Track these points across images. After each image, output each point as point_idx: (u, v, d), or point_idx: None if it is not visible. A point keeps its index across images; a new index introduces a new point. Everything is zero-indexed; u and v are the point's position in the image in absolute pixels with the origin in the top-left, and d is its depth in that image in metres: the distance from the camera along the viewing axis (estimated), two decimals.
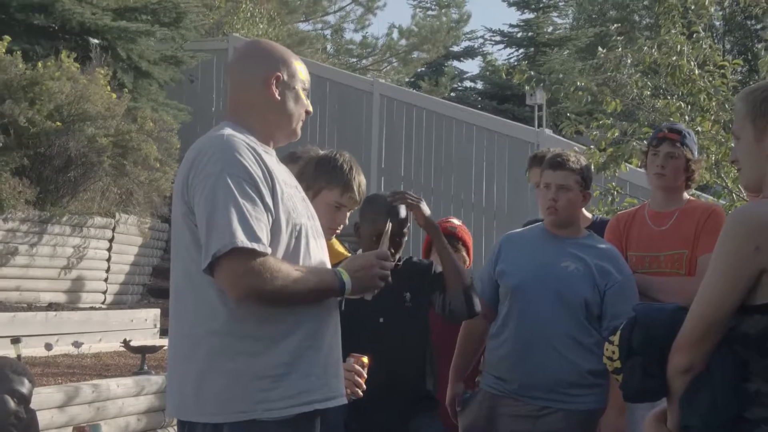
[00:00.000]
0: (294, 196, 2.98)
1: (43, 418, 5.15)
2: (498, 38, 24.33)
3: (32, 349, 7.59)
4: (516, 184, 11.09)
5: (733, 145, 2.81)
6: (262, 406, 2.81)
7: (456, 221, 5.23)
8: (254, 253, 2.76)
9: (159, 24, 12.44)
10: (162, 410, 6.77)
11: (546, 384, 4.21)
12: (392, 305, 3.96)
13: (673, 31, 7.27)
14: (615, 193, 7.15)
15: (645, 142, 6.02)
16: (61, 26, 11.63)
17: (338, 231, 3.93)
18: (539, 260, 4.34)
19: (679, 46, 7.13)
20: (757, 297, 2.50)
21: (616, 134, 7.29)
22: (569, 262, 4.28)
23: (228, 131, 2.95)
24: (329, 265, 3.05)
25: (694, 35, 7.36)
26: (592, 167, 6.08)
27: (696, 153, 4.56)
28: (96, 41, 11.51)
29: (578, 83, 7.58)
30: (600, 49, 7.90)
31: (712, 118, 6.97)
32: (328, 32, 27.25)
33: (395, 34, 26.52)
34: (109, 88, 10.50)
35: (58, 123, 9.69)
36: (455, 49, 26.77)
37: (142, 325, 9.04)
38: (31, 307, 9.07)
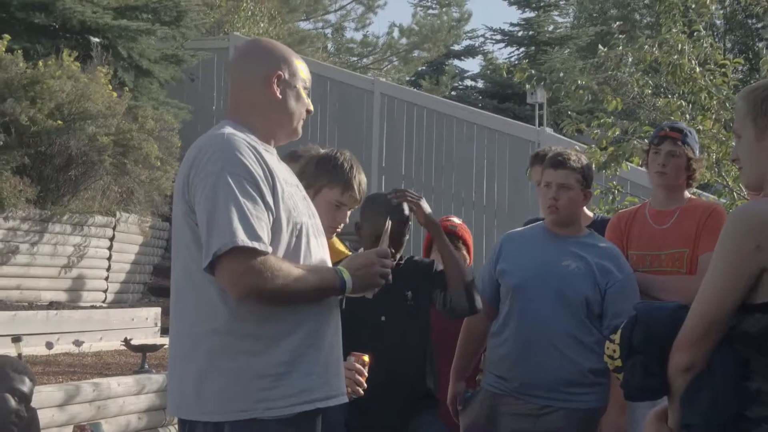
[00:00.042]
0: (295, 195, 2.98)
1: (43, 416, 5.16)
2: (499, 37, 24.33)
3: (33, 348, 7.59)
4: (517, 182, 11.08)
5: (734, 143, 2.81)
6: (262, 404, 2.81)
7: (456, 220, 5.23)
8: (255, 252, 2.76)
9: (160, 23, 12.44)
10: (163, 409, 6.77)
11: (547, 383, 4.21)
12: (394, 304, 3.97)
13: (674, 30, 7.26)
14: (616, 191, 7.15)
15: (646, 140, 6.02)
16: (61, 25, 11.64)
17: (339, 230, 3.93)
18: (540, 259, 4.34)
19: (680, 45, 7.12)
20: (758, 296, 2.50)
21: (617, 133, 7.29)
22: (570, 261, 4.28)
23: (229, 130, 2.95)
24: (330, 264, 3.05)
25: (695, 34, 7.36)
26: (593, 166, 6.09)
27: (697, 152, 4.56)
28: (97, 40, 11.52)
29: (579, 82, 7.57)
30: (600, 47, 7.90)
31: (713, 116, 6.97)
32: (328, 31, 27.30)
33: (396, 33, 26.58)
34: (109, 86, 10.51)
35: (59, 122, 9.69)
36: (456, 47, 26.79)
37: (143, 324, 9.04)
38: (31, 305, 9.08)
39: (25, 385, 4.00)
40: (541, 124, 15.88)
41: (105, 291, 10.36)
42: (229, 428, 2.81)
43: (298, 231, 2.92)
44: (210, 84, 14.19)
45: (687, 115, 7.08)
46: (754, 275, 2.49)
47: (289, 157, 4.05)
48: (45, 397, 5.80)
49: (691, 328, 2.56)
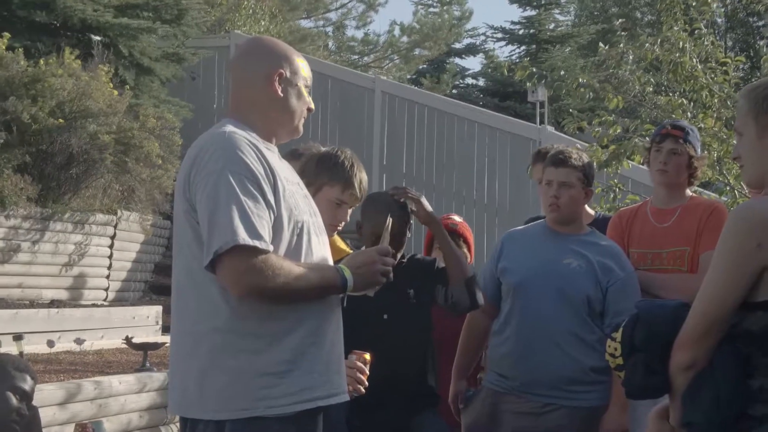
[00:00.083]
0: (296, 193, 2.98)
1: (45, 415, 5.16)
2: (500, 35, 24.28)
3: (34, 346, 7.60)
4: (518, 181, 11.08)
5: (735, 141, 2.80)
6: (264, 403, 2.81)
7: (457, 218, 5.23)
8: (256, 251, 2.76)
9: (161, 21, 12.44)
10: (164, 407, 6.77)
11: (549, 381, 4.21)
12: (396, 302, 3.97)
13: (675, 28, 7.26)
14: (617, 190, 7.14)
15: (647, 138, 6.02)
16: (62, 23, 11.63)
17: (339, 228, 3.93)
18: (541, 257, 4.34)
19: (681, 43, 7.12)
20: (760, 294, 2.50)
21: (618, 131, 7.28)
22: (571, 259, 4.28)
23: (230, 128, 2.94)
24: (331, 262, 3.05)
25: (696, 32, 7.36)
26: (594, 164, 6.08)
27: (699, 150, 4.55)
28: (98, 38, 11.52)
29: (580, 80, 7.57)
30: (601, 45, 7.90)
31: (714, 115, 6.97)
32: (329, 29, 27.29)
33: (397, 31, 26.57)
34: (110, 84, 10.51)
35: (60, 120, 9.69)
36: (457, 46, 26.74)
37: (144, 322, 9.05)
38: (33, 304, 9.08)
39: (27, 384, 4.00)
40: (542, 122, 15.84)
41: (106, 289, 10.37)
42: (231, 426, 2.81)
43: (299, 229, 2.92)
44: (211, 82, 14.19)
45: (688, 113, 7.08)
46: (755, 273, 2.49)
47: (290, 155, 4.06)
48: (46, 395, 5.80)
49: (693, 326, 2.56)
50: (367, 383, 3.41)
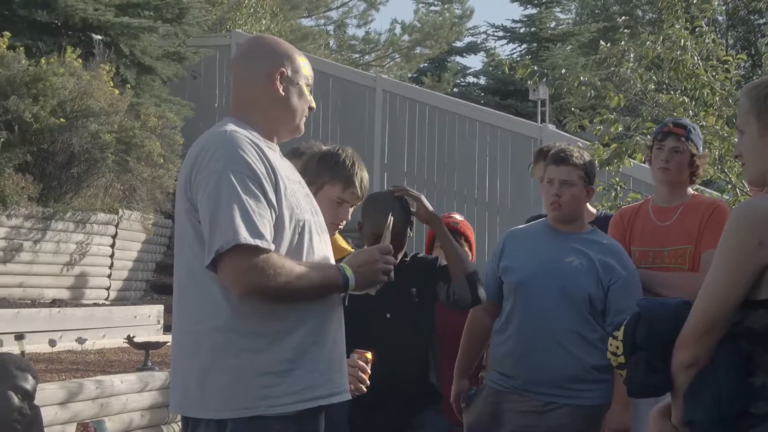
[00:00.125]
0: (297, 192, 2.98)
1: (46, 414, 5.16)
2: (501, 34, 24.29)
3: (36, 346, 7.59)
4: (519, 179, 11.08)
5: (736, 140, 2.80)
6: (265, 402, 2.81)
7: (458, 217, 5.23)
8: (257, 250, 2.76)
9: (162, 20, 12.45)
10: (166, 406, 6.77)
11: (551, 379, 4.21)
12: (399, 301, 3.98)
13: (676, 26, 7.26)
14: (618, 188, 7.14)
15: (648, 137, 6.01)
16: (63, 22, 11.64)
17: (341, 226, 3.93)
18: (543, 256, 4.33)
19: (682, 41, 7.12)
20: (762, 292, 2.50)
21: (620, 129, 7.28)
22: (573, 258, 4.28)
23: (231, 127, 2.94)
24: (333, 261, 3.05)
25: (697, 30, 7.35)
26: (596, 162, 6.08)
27: (701, 148, 4.55)
28: (99, 37, 11.52)
29: (581, 78, 7.57)
30: (602, 43, 7.89)
31: (716, 113, 6.96)
32: (330, 28, 27.30)
33: (398, 30, 26.57)
34: (111, 84, 10.51)
35: (62, 119, 9.69)
36: (458, 44, 26.74)
37: (146, 321, 9.05)
38: (34, 303, 9.09)
39: (28, 383, 4.00)
40: (543, 120, 15.86)
41: (108, 288, 10.37)
42: (232, 426, 2.81)
43: (300, 228, 2.92)
44: (212, 81, 14.19)
45: (689, 112, 7.08)
46: (757, 271, 2.49)
47: (292, 153, 4.05)
48: (48, 394, 5.80)
49: (694, 324, 2.56)
50: (368, 382, 3.41)
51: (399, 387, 3.97)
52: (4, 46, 9.96)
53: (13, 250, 9.23)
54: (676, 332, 2.59)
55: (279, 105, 3.05)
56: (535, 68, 7.74)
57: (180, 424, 3.02)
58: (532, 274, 4.30)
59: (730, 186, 6.98)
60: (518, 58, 21.24)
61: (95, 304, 9.64)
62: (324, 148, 4.08)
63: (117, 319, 8.84)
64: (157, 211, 11.10)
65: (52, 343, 7.73)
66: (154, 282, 11.27)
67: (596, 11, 27.64)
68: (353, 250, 3.79)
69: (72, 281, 9.89)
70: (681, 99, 7.17)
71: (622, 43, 7.70)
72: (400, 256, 4.02)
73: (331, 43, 26.75)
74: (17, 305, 8.70)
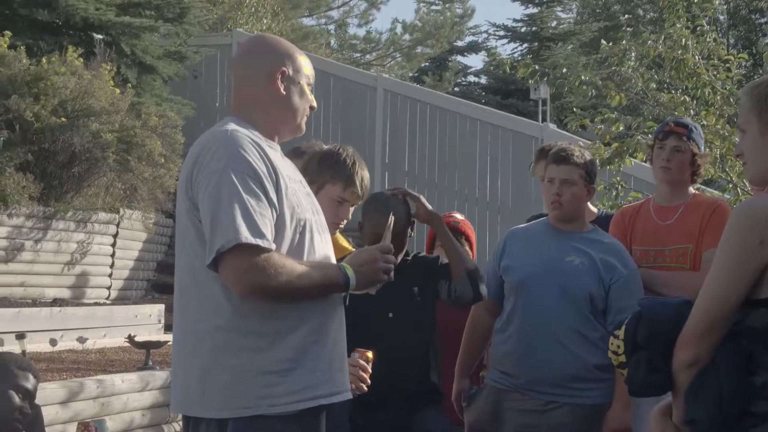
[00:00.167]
0: (298, 191, 2.97)
1: (47, 413, 5.16)
2: (502, 33, 24.28)
3: (37, 345, 7.60)
4: (520, 178, 11.08)
5: (737, 139, 2.80)
6: (266, 401, 2.81)
7: (459, 216, 5.23)
8: (258, 249, 2.76)
9: (163, 19, 12.45)
10: (167, 405, 6.77)
11: (552, 378, 4.21)
12: (401, 300, 3.98)
13: (677, 25, 7.25)
14: (619, 187, 7.14)
15: (650, 136, 6.01)
16: (64, 21, 11.64)
17: (341, 226, 3.93)
18: (544, 255, 4.33)
19: (683, 40, 7.11)
20: (763, 291, 2.50)
21: (621, 129, 7.28)
22: (574, 257, 4.28)
23: (232, 126, 2.94)
24: (334, 260, 3.05)
25: (698, 29, 7.35)
26: (597, 162, 6.07)
27: (702, 147, 4.55)
28: (100, 36, 11.51)
29: (583, 77, 7.56)
30: (604, 42, 7.89)
31: (717, 112, 6.96)
32: (331, 27, 27.29)
33: (399, 29, 26.56)
34: (112, 83, 10.51)
35: (63, 119, 9.69)
36: (459, 43, 26.74)
37: (147, 321, 9.05)
38: (35, 302, 9.09)
39: (29, 382, 4.00)
40: (544, 120, 15.86)
41: (109, 288, 10.37)
42: (233, 425, 2.81)
43: (301, 227, 2.92)
44: (213, 80, 14.18)
45: (690, 111, 7.08)
46: (758, 270, 2.49)
47: (293, 153, 4.05)
48: (49, 394, 5.80)
49: (695, 323, 2.56)
50: (369, 381, 3.41)
51: (400, 386, 3.97)
52: (5, 46, 9.96)
53: (14, 250, 9.23)
54: (677, 331, 2.59)
55: (280, 104, 3.04)
56: (536, 67, 7.73)
57: (181, 423, 3.02)
58: (533, 273, 4.30)
59: (731, 185, 6.97)
60: (519, 58, 21.24)
61: (96, 304, 9.64)
62: (325, 147, 4.08)
63: (118, 318, 8.84)
64: (158, 211, 11.10)
65: (53, 342, 7.73)
66: (155, 281, 11.27)
67: (597, 10, 27.64)
68: (354, 250, 3.79)
69: (73, 280, 9.89)
70: (682, 98, 7.17)
71: (624, 42, 7.69)
72: (400, 257, 4.03)
73: (332, 42, 26.75)
74: (18, 304, 8.70)
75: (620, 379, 3.61)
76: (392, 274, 3.04)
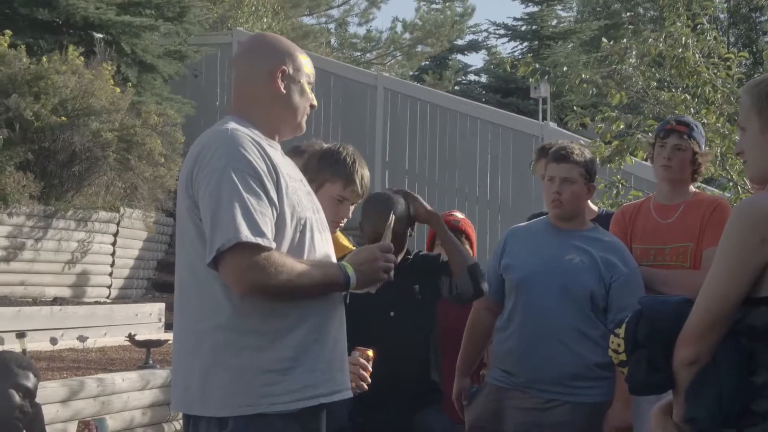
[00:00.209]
0: (299, 190, 2.97)
1: (48, 412, 5.16)
2: (502, 31, 24.29)
3: (37, 344, 7.60)
4: (521, 177, 11.08)
5: (737, 137, 2.80)
6: (266, 400, 2.81)
7: (459, 214, 5.23)
8: (258, 248, 2.76)
9: (163, 18, 12.45)
10: (167, 404, 6.77)
11: (552, 377, 4.21)
12: (402, 299, 3.99)
13: (678, 24, 7.25)
14: (620, 185, 7.14)
15: (650, 134, 6.01)
16: (65, 21, 11.64)
17: (342, 224, 3.93)
18: (544, 253, 4.33)
19: (684, 38, 7.11)
20: (763, 289, 2.50)
21: (621, 127, 7.28)
22: (574, 255, 4.28)
23: (232, 125, 2.94)
24: (334, 259, 3.05)
25: (698, 27, 7.35)
26: (597, 160, 6.07)
27: (703, 146, 4.55)
28: (100, 36, 11.51)
29: (583, 76, 7.56)
30: (605, 40, 7.89)
31: (717, 111, 6.96)
32: (332, 26, 27.28)
33: (399, 28, 26.56)
34: (112, 82, 10.51)
35: (63, 117, 9.69)
36: (459, 42, 26.74)
37: (147, 319, 9.05)
38: (36, 301, 9.09)
39: (30, 381, 4.01)
40: (544, 118, 15.87)
41: (109, 287, 10.37)
42: (233, 423, 2.81)
43: (302, 226, 2.92)
44: (213, 80, 14.18)
45: (691, 109, 7.07)
46: (758, 269, 2.49)
47: (293, 152, 4.06)
48: (49, 392, 5.80)
49: (696, 322, 2.56)
50: (369, 380, 3.41)
51: (400, 386, 3.97)
52: (6, 45, 9.96)
53: (15, 249, 9.24)
54: (678, 330, 2.59)
55: (280, 103, 3.04)
56: (537, 66, 7.73)
57: (181, 422, 3.02)
58: (533, 271, 4.30)
59: (731, 184, 6.97)
60: (520, 56, 21.24)
61: (96, 302, 9.64)
62: (325, 146, 4.08)
63: (118, 317, 8.84)
64: (158, 209, 11.10)
65: (54, 341, 7.74)
66: (156, 280, 11.27)
67: (597, 9, 27.64)
68: (354, 248, 3.79)
69: (73, 279, 9.89)
70: (682, 97, 7.16)
71: (624, 40, 7.69)
72: (400, 257, 4.03)
73: (333, 41, 26.74)
74: (18, 303, 8.71)
75: (621, 377, 3.61)
76: (392, 273, 3.04)
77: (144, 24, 11.86)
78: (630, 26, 8.00)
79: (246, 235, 2.74)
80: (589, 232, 4.39)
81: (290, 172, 2.99)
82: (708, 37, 7.28)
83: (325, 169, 3.83)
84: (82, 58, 10.35)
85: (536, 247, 4.38)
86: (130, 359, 7.74)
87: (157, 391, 6.84)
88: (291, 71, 3.05)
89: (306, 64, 3.10)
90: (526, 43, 23.65)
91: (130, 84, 11.18)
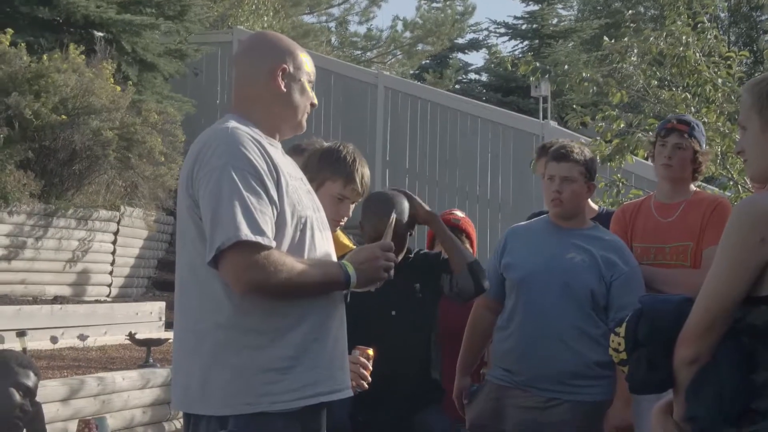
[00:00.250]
0: (299, 189, 2.97)
1: (48, 410, 5.16)
2: (503, 30, 24.31)
3: (38, 342, 7.60)
4: (521, 176, 11.07)
5: (738, 136, 2.80)
6: (267, 398, 2.81)
7: (459, 213, 5.23)
8: (258, 247, 2.76)
9: (163, 17, 12.45)
10: (167, 403, 6.77)
11: (553, 375, 4.21)
12: (404, 298, 3.99)
13: (678, 22, 7.25)
14: (620, 184, 7.13)
15: (650, 133, 6.01)
16: (65, 19, 11.64)
17: (342, 223, 3.93)
18: (545, 252, 4.33)
19: (684, 37, 7.11)
20: (763, 288, 2.49)
21: (622, 126, 7.27)
22: (575, 254, 4.28)
23: (232, 124, 2.94)
24: (335, 257, 3.04)
25: (699, 26, 7.34)
26: (598, 159, 6.06)
27: (704, 145, 4.54)
28: (100, 34, 11.52)
29: (584, 74, 7.56)
30: (606, 38, 7.89)
31: (718, 110, 6.95)
32: (332, 25, 27.26)
33: (400, 27, 26.53)
34: (112, 80, 10.50)
35: (63, 116, 9.69)
36: (460, 41, 26.74)
37: (147, 318, 9.05)
38: (36, 300, 9.09)
39: (30, 380, 4.01)
40: (545, 117, 15.87)
41: (109, 285, 10.37)
42: (234, 422, 2.81)
43: (302, 224, 2.91)
44: (214, 78, 14.17)
45: (692, 108, 7.07)
46: (759, 268, 2.49)
47: (293, 150, 4.06)
48: (50, 391, 5.80)
49: (696, 321, 2.56)
50: (370, 379, 3.41)
51: (401, 384, 3.98)
52: (7, 43, 9.96)
53: (15, 247, 9.24)
54: (678, 329, 2.59)
55: (281, 101, 3.04)
56: (537, 65, 7.72)
57: (182, 420, 3.02)
58: (533, 270, 4.30)
59: (731, 182, 6.97)
60: (520, 55, 21.24)
61: (97, 301, 9.64)
62: (325, 144, 4.08)
63: (119, 315, 8.84)
64: (158, 208, 11.10)
65: (54, 339, 7.74)
66: (156, 279, 11.27)
67: (598, 7, 27.64)
68: (355, 247, 3.79)
69: (74, 278, 9.89)
70: (683, 95, 7.16)
71: (626, 38, 7.69)
72: (401, 257, 4.02)
73: (333, 40, 26.72)
74: (19, 302, 8.71)
75: (621, 376, 3.61)
76: (392, 272, 3.04)
77: (144, 22, 11.86)
78: (632, 25, 7.98)
79: (246, 233, 2.74)
80: (589, 231, 4.39)
81: (291, 170, 2.99)
82: (709, 36, 7.28)
83: (325, 167, 3.83)
84: (83, 56, 10.35)
85: (537, 246, 4.38)
86: (130, 358, 7.74)
87: (157, 389, 6.84)
88: (291, 70, 3.04)
89: (306, 63, 3.09)
90: (526, 42, 23.66)
91: (130, 82, 11.18)
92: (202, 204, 2.83)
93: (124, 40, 11.85)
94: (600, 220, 4.66)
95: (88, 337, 8.10)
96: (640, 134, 7.02)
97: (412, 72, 25.50)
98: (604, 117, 7.28)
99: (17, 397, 3.93)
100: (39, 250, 9.48)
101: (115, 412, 6.44)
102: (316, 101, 3.14)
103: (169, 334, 7.49)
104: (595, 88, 7.48)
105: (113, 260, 10.45)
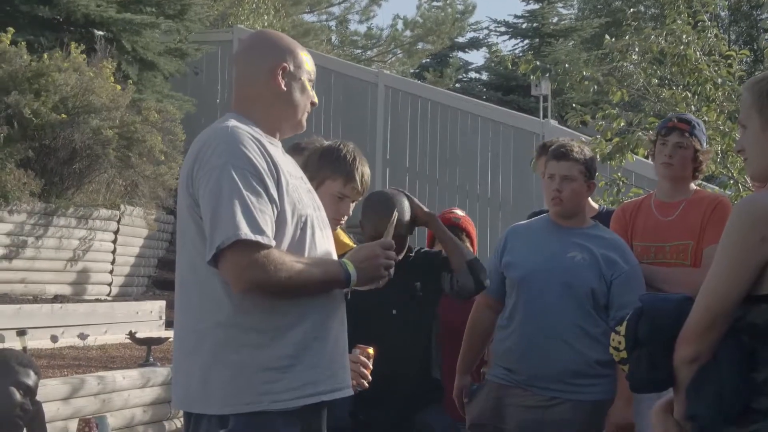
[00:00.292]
0: (299, 187, 2.97)
1: (48, 409, 5.16)
2: (503, 29, 24.28)
3: (38, 341, 7.60)
4: (521, 174, 11.08)
5: (738, 135, 2.80)
6: (267, 397, 2.81)
7: (459, 212, 5.23)
8: (258, 246, 2.75)
9: (164, 16, 12.45)
10: (168, 402, 6.77)
11: (553, 374, 4.21)
12: (405, 297, 3.99)
13: (679, 21, 7.25)
14: (620, 183, 7.13)
15: (651, 132, 6.00)
16: (65, 18, 11.64)
17: (342, 222, 3.93)
18: (545, 251, 4.33)
19: (685, 36, 7.10)
20: (763, 287, 2.50)
21: (622, 125, 7.27)
22: (575, 252, 4.28)
23: (233, 123, 2.93)
24: (335, 256, 3.04)
25: (699, 24, 7.34)
26: (598, 157, 6.06)
27: (704, 143, 4.54)
28: (101, 33, 11.52)
29: (584, 73, 7.55)
30: (607, 37, 7.89)
31: (718, 109, 6.95)
32: (332, 23, 27.26)
33: (400, 26, 26.54)
34: (113, 79, 10.50)
35: (63, 115, 9.69)
36: (460, 40, 26.74)
37: (148, 317, 9.05)
38: (36, 299, 9.09)
39: (30, 379, 4.01)
40: (545, 116, 15.87)
41: (110, 284, 10.38)
42: (234, 421, 2.81)
43: (302, 223, 2.91)
44: (214, 77, 14.17)
45: (692, 107, 7.07)
46: (759, 267, 2.49)
47: (293, 149, 4.06)
48: (50, 390, 5.81)
49: (696, 320, 2.56)
50: (370, 378, 3.41)
51: (401, 384, 3.97)
52: (7, 42, 9.96)
53: (15, 246, 9.24)
54: (679, 328, 2.59)
55: (281, 100, 3.04)
56: (538, 63, 7.72)
57: (182, 419, 3.01)
58: (534, 269, 4.30)
59: (732, 181, 6.97)
60: (520, 54, 21.23)
61: (97, 300, 9.64)
62: (325, 143, 4.08)
63: (119, 314, 8.84)
64: (159, 207, 11.10)
65: (54, 338, 7.74)
66: (156, 278, 11.27)
67: (598, 6, 27.63)
68: (355, 246, 3.79)
69: (74, 277, 9.89)
70: (683, 94, 7.16)
71: (627, 37, 7.68)
72: (401, 257, 4.02)
73: (333, 38, 26.73)
74: (19, 301, 8.71)
75: (622, 374, 3.61)
76: (392, 270, 3.04)
77: (145, 21, 11.86)
78: (633, 23, 7.98)
79: (245, 232, 2.74)
80: (589, 230, 4.39)
81: (291, 169, 2.99)
82: (709, 35, 7.28)
83: (325, 166, 3.83)
84: (83, 55, 10.34)
85: (537, 245, 4.38)
86: (130, 357, 7.74)
87: (157, 388, 6.84)
88: (292, 68, 3.04)
89: (307, 62, 3.09)
90: (527, 41, 23.64)
91: (130, 81, 11.18)
92: (202, 203, 2.83)
93: (125, 39, 11.84)
94: (600, 218, 4.66)
95: (88, 336, 8.10)
96: (640, 133, 7.02)
97: (412, 71, 25.50)
98: (605, 116, 7.28)
99: (18, 396, 3.93)
100: (39, 249, 9.48)
101: (116, 411, 6.44)
102: (316, 100, 3.14)
103: (170, 333, 7.49)
104: (595, 86, 7.48)
105: (113, 259, 10.45)
